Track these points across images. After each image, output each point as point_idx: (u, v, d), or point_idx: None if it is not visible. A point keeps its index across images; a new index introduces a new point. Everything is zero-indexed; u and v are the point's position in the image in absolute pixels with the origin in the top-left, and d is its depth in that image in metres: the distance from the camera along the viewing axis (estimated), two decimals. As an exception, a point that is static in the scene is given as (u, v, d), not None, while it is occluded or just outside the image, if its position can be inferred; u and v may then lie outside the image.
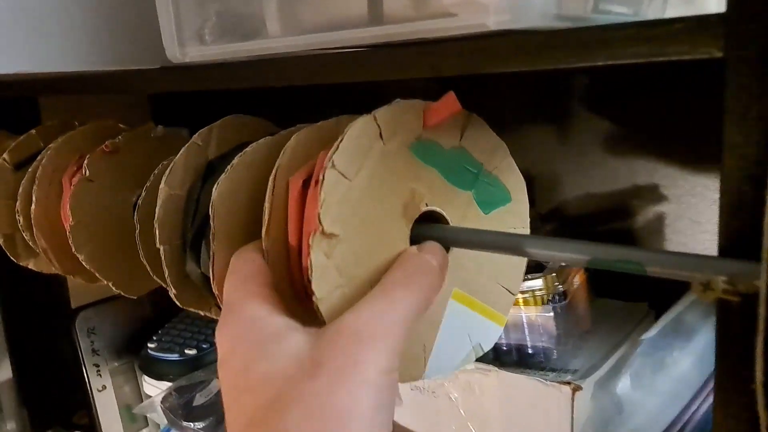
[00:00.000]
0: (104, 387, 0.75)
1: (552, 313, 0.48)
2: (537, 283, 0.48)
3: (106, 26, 0.46)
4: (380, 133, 0.30)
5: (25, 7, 0.43)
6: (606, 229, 0.57)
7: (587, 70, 0.53)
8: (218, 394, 0.61)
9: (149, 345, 0.71)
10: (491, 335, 0.37)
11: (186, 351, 0.69)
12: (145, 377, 0.71)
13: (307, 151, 0.32)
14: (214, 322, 0.31)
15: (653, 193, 0.54)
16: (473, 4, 0.28)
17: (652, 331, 0.45)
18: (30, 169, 0.49)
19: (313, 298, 0.28)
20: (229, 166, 0.33)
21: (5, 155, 0.53)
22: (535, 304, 0.48)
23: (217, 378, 0.33)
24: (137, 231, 0.40)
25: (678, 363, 0.45)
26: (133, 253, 0.41)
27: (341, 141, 0.29)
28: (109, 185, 0.47)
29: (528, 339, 0.49)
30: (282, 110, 0.51)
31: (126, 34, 0.47)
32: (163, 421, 0.61)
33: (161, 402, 0.62)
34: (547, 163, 0.59)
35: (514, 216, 0.36)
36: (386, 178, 0.30)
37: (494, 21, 0.27)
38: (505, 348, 0.50)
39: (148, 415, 0.65)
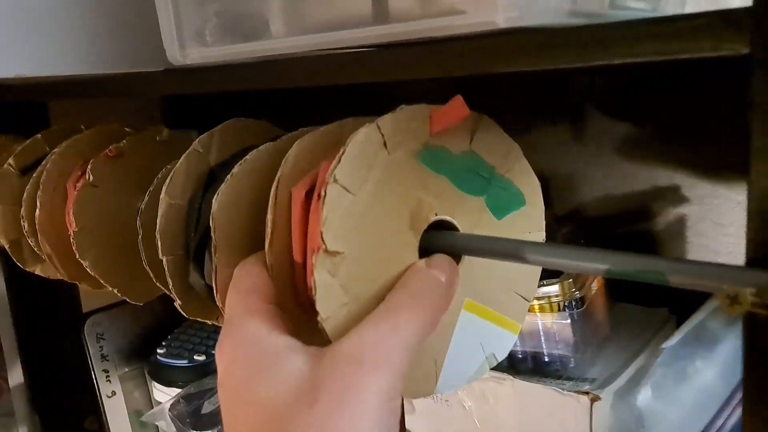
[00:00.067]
0: (114, 393, 0.75)
1: (569, 320, 0.46)
2: (553, 289, 0.46)
3: (107, 28, 0.46)
4: (384, 143, 0.29)
5: (24, 9, 0.42)
6: (625, 231, 0.55)
7: (604, 67, 0.52)
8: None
9: (158, 351, 0.71)
10: (505, 344, 0.35)
11: (195, 357, 0.68)
12: (155, 383, 0.70)
13: (310, 158, 0.31)
14: (223, 329, 0.30)
15: (674, 195, 0.52)
16: (482, 0, 0.26)
17: (674, 340, 0.43)
18: (35, 174, 0.49)
19: (318, 318, 0.27)
20: (229, 176, 0.32)
21: (10, 160, 0.52)
22: (552, 310, 0.47)
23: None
24: (140, 237, 0.39)
25: (701, 373, 0.43)
26: (138, 260, 0.40)
27: (343, 153, 0.28)
28: (113, 190, 0.46)
29: (544, 347, 0.48)
30: (291, 111, 0.51)
31: (128, 37, 0.46)
32: (171, 430, 0.61)
33: (169, 410, 0.61)
34: (563, 163, 0.57)
35: (529, 220, 0.35)
36: (392, 189, 0.29)
37: (504, 18, 0.26)
38: (520, 356, 0.48)
39: (156, 424, 0.64)
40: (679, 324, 0.47)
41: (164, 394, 0.69)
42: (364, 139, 0.28)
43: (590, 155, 0.56)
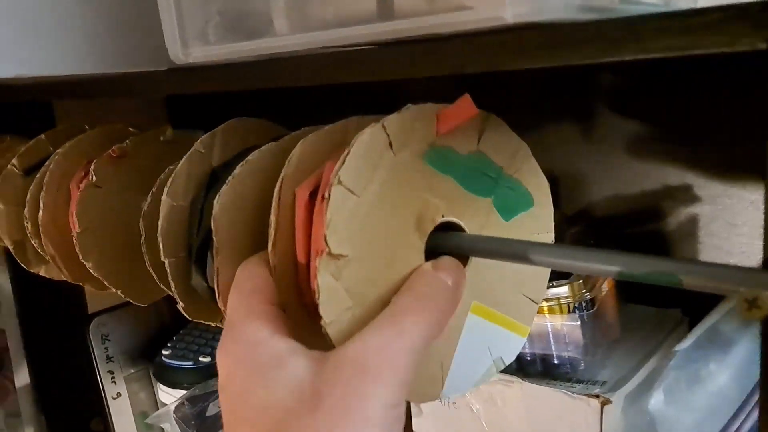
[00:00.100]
0: (119, 394, 0.75)
1: (579, 322, 0.45)
2: (563, 290, 0.45)
3: (108, 28, 0.45)
4: (390, 143, 0.28)
5: (24, 9, 0.42)
6: (635, 232, 0.55)
7: (614, 64, 0.51)
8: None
9: (163, 352, 0.71)
10: (513, 347, 0.35)
11: (200, 358, 0.68)
12: (160, 385, 0.70)
13: (314, 158, 0.31)
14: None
15: (686, 194, 0.51)
16: (489, -5, 0.26)
17: (687, 342, 0.42)
18: (38, 175, 0.48)
19: (321, 322, 0.27)
20: (230, 176, 0.31)
21: (14, 160, 0.52)
22: (561, 312, 0.46)
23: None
24: (142, 239, 0.38)
25: (715, 377, 0.42)
26: (142, 261, 0.40)
27: (347, 154, 0.27)
28: (116, 191, 0.46)
29: (553, 349, 0.47)
30: (295, 111, 0.50)
31: (130, 36, 0.46)
32: (176, 432, 0.60)
33: (174, 412, 0.61)
34: (572, 163, 0.56)
35: (538, 221, 0.34)
36: (397, 190, 0.28)
37: (512, 14, 0.25)
38: (529, 358, 0.48)
39: (160, 426, 0.64)
40: (691, 326, 0.47)
41: (169, 396, 0.68)
42: (369, 140, 0.28)
43: (600, 154, 0.55)
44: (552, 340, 0.46)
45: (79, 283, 0.49)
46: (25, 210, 0.49)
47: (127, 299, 0.47)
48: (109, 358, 0.74)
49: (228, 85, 0.41)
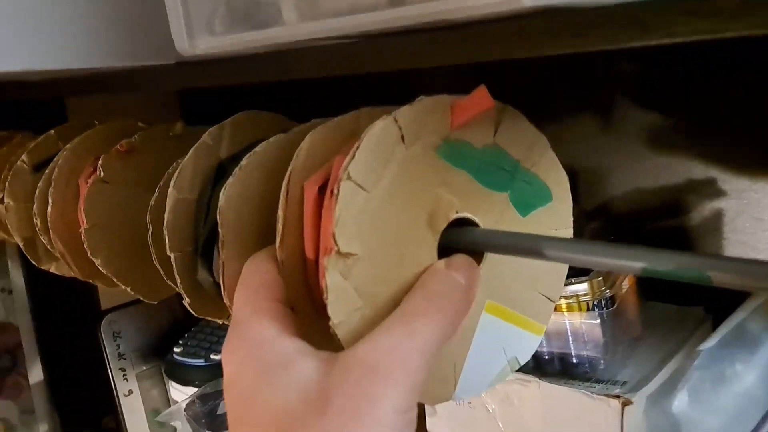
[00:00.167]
0: (131, 392, 0.74)
1: (598, 320, 0.44)
2: (582, 287, 0.44)
3: (114, 21, 0.44)
4: (402, 137, 0.27)
5: (31, 4, 0.41)
6: (657, 227, 0.53)
7: (636, 52, 0.50)
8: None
9: (175, 349, 0.70)
10: (528, 347, 0.34)
11: (211, 356, 0.67)
12: (172, 382, 0.70)
13: (324, 151, 0.30)
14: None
15: (710, 188, 0.50)
16: (505, -22, 0.25)
17: (712, 341, 0.41)
18: (47, 171, 0.48)
19: (330, 323, 0.26)
20: (237, 168, 0.31)
21: (24, 156, 0.51)
22: (580, 310, 0.45)
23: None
24: (149, 233, 0.38)
25: (741, 377, 0.41)
26: (151, 257, 0.39)
27: (357, 148, 0.26)
28: (124, 186, 0.45)
29: (572, 347, 0.46)
30: (308, 103, 0.49)
31: (135, 29, 0.45)
32: (187, 430, 0.60)
33: (185, 410, 0.60)
34: (592, 156, 0.55)
35: (556, 216, 0.33)
36: (409, 186, 0.27)
37: (530, -3, 0.24)
38: (546, 357, 0.47)
39: (171, 424, 0.63)
40: (715, 324, 0.45)
41: (181, 393, 0.68)
42: (380, 133, 0.27)
43: (620, 147, 0.53)
44: (570, 338, 0.45)
45: (89, 280, 0.49)
46: (34, 206, 0.48)
47: (138, 296, 0.47)
48: (120, 356, 0.74)
49: (237, 79, 0.40)
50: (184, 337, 0.72)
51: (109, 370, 0.74)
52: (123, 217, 0.45)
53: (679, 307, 0.51)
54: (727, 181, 0.49)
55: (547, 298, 0.34)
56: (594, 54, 0.25)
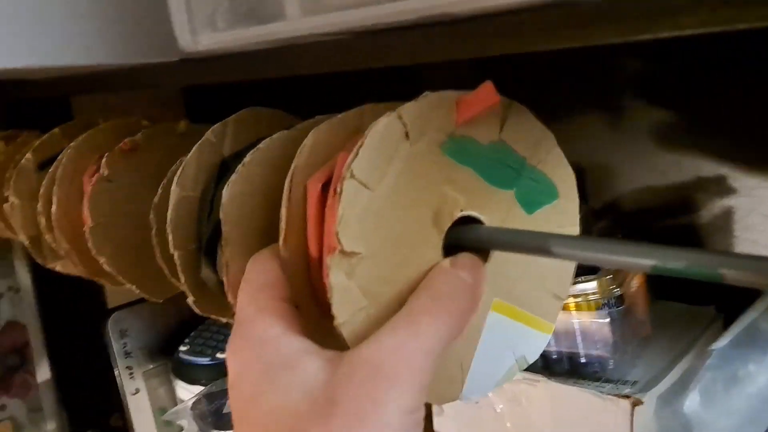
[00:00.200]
0: (137, 390, 0.74)
1: (608, 319, 0.44)
2: (590, 286, 0.44)
3: (116, 18, 0.44)
4: (406, 133, 0.27)
5: (29, 0, 0.41)
6: (666, 226, 0.53)
7: (644, 46, 0.49)
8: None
9: (181, 348, 0.70)
10: (536, 346, 0.33)
11: (218, 355, 0.67)
12: (179, 381, 0.70)
13: (327, 148, 0.29)
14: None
15: (720, 186, 0.49)
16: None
17: (723, 341, 0.40)
18: (51, 169, 0.48)
19: (335, 323, 0.25)
20: (240, 165, 0.30)
21: (29, 155, 0.51)
22: (589, 309, 0.44)
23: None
24: (153, 230, 0.37)
25: (755, 378, 0.40)
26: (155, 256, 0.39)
27: (361, 146, 0.26)
28: (128, 185, 0.45)
29: (581, 347, 0.45)
30: (314, 100, 0.49)
31: (139, 26, 0.45)
32: (193, 429, 0.60)
33: (191, 408, 0.60)
34: (600, 153, 0.54)
35: (562, 214, 0.33)
36: (414, 183, 0.27)
37: (537, -12, 0.23)
38: (555, 356, 0.46)
39: (177, 423, 0.63)
40: (726, 323, 0.45)
41: (188, 392, 0.68)
42: (383, 130, 0.26)
43: (628, 144, 0.53)
44: (579, 337, 0.45)
45: (94, 279, 0.49)
46: (39, 205, 0.48)
47: (143, 295, 0.46)
48: (127, 354, 0.74)
49: (240, 75, 0.40)
50: (190, 336, 0.72)
51: (115, 369, 0.74)
52: (127, 215, 0.45)
53: (690, 306, 0.50)
54: (738, 178, 0.48)
55: (556, 295, 0.33)
56: (601, 48, 0.25)
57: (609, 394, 0.41)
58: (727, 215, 0.49)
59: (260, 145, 0.31)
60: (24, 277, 0.80)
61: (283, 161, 0.30)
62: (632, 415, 0.40)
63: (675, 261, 0.24)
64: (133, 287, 0.46)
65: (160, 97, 0.80)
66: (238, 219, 0.31)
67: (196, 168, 0.35)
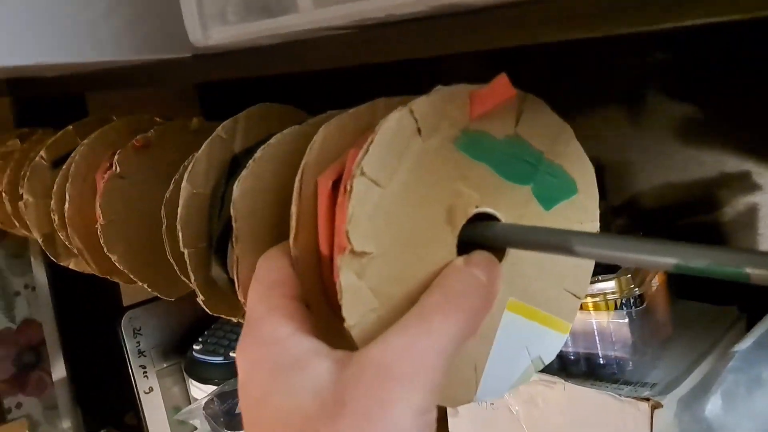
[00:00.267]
0: (151, 389, 0.74)
1: (627, 319, 0.43)
2: (609, 285, 0.43)
3: (127, 13, 0.44)
4: (418, 129, 0.26)
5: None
6: (688, 223, 0.52)
7: (667, 36, 0.48)
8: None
9: (194, 347, 0.70)
10: (553, 346, 0.32)
11: (231, 354, 0.67)
12: (192, 380, 0.70)
13: (338, 144, 0.29)
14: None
15: (744, 182, 0.48)
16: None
17: (747, 342, 0.39)
18: (64, 167, 0.48)
19: (345, 324, 0.25)
20: (251, 161, 0.30)
21: (42, 152, 0.52)
22: (607, 309, 0.43)
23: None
24: (163, 228, 0.37)
25: (779, 381, 0.39)
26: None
27: (371, 142, 0.25)
28: (141, 182, 0.45)
29: (599, 348, 0.44)
30: (330, 95, 0.48)
31: (150, 22, 0.44)
32: (206, 428, 0.60)
33: (203, 408, 0.60)
34: (619, 149, 0.53)
35: (581, 210, 0.32)
36: (426, 180, 0.26)
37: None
38: (572, 357, 0.45)
39: (190, 422, 0.63)
40: (750, 324, 0.44)
41: (201, 391, 0.68)
42: (395, 126, 0.26)
43: (649, 139, 0.52)
44: (597, 338, 0.44)
45: (107, 277, 0.49)
46: (52, 202, 0.48)
47: (155, 293, 0.46)
48: (141, 353, 0.74)
49: (252, 70, 0.40)
50: (204, 334, 0.72)
51: (129, 368, 0.74)
52: (139, 212, 0.45)
53: (712, 306, 0.49)
54: (762, 174, 0.47)
55: (573, 294, 0.32)
56: (621, 39, 0.24)
57: (628, 397, 0.40)
58: (752, 212, 0.48)
59: (271, 141, 0.31)
60: (40, 275, 0.81)
61: (294, 157, 0.30)
62: (652, 418, 0.39)
63: (698, 259, 0.23)
64: (145, 285, 0.46)
65: (176, 94, 0.80)
66: (248, 215, 0.30)
67: (207, 164, 0.34)
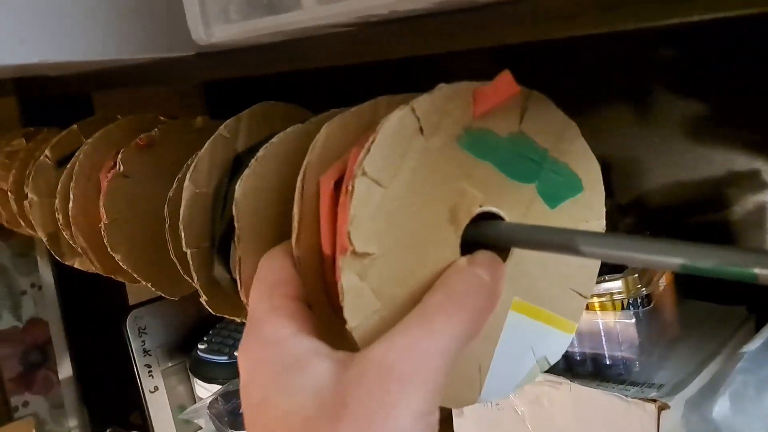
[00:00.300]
0: (156, 388, 0.74)
1: (633, 320, 0.43)
2: (616, 285, 0.43)
3: (131, 12, 0.44)
4: (420, 128, 0.26)
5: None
6: (696, 222, 0.51)
7: (675, 31, 0.47)
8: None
9: (199, 346, 0.70)
10: (559, 346, 0.32)
11: (235, 353, 0.67)
12: (197, 379, 0.70)
13: (341, 143, 0.28)
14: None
15: (753, 180, 0.48)
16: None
17: (756, 343, 0.39)
18: (68, 166, 0.48)
19: (347, 326, 0.25)
20: (253, 160, 0.30)
21: (47, 151, 0.52)
22: (614, 309, 0.43)
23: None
24: (166, 227, 0.37)
25: (788, 382, 0.39)
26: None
27: (373, 142, 0.25)
28: (144, 181, 0.45)
29: (605, 348, 0.44)
30: (335, 94, 0.48)
31: (153, 20, 0.44)
32: (210, 428, 0.60)
33: (208, 408, 0.60)
34: (626, 147, 0.53)
35: (587, 208, 0.31)
36: (429, 180, 0.26)
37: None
38: (578, 358, 0.45)
39: (195, 422, 0.63)
40: (759, 324, 0.44)
41: (206, 390, 0.68)
42: (396, 125, 0.25)
43: (657, 137, 0.51)
44: (604, 338, 0.44)
45: (111, 276, 0.49)
46: (56, 201, 0.48)
47: (159, 293, 0.46)
48: (146, 352, 0.74)
49: (256, 69, 0.39)
50: (209, 334, 0.72)
51: (134, 367, 0.74)
52: (143, 211, 0.45)
53: (720, 307, 0.49)
54: (772, 172, 0.47)
55: (579, 294, 0.32)
56: (627, 35, 0.23)
57: (634, 398, 0.40)
58: (761, 211, 0.48)
59: (273, 140, 0.30)
60: (46, 274, 0.81)
61: (297, 156, 0.29)
62: (658, 419, 0.38)
63: (705, 259, 0.22)
64: (149, 284, 0.46)
65: (181, 93, 0.80)
66: (251, 215, 0.30)
67: (210, 164, 0.34)
